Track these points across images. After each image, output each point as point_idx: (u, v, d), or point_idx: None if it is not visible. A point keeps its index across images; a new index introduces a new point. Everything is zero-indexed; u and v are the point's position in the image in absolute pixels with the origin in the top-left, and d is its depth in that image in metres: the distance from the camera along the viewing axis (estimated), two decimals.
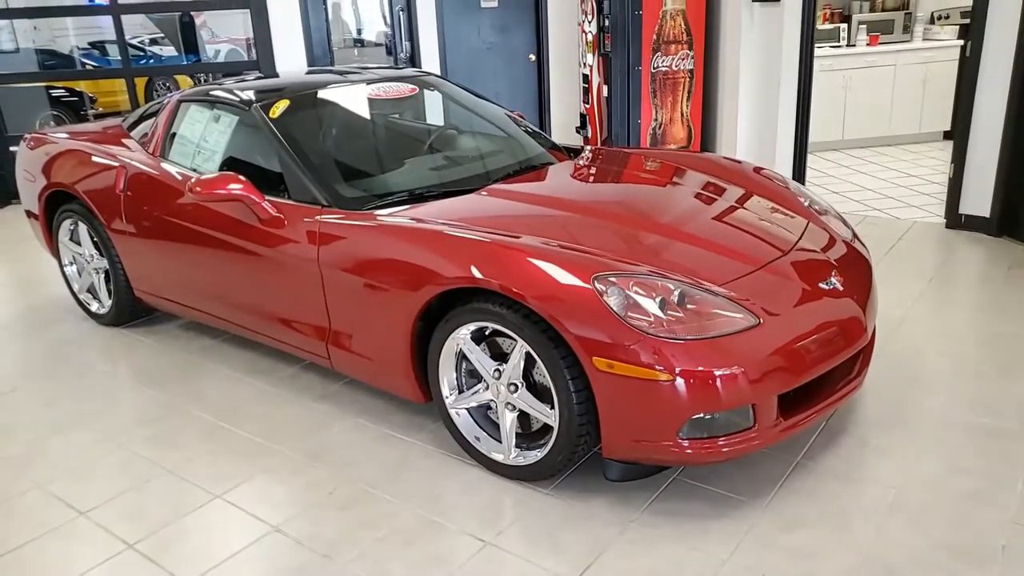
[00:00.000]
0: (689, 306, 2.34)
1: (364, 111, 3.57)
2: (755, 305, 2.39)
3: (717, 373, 2.23)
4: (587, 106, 6.64)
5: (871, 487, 2.48)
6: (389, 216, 2.82)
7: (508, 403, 2.53)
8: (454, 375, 2.68)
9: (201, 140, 3.48)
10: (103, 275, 3.95)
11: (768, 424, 2.34)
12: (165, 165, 3.55)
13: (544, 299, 2.31)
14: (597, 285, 2.30)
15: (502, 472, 2.61)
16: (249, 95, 3.34)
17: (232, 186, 2.99)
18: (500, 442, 2.60)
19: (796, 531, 2.31)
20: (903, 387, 3.07)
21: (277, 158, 3.12)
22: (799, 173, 5.72)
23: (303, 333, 3.07)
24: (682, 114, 6.35)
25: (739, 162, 3.54)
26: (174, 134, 3.62)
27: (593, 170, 3.46)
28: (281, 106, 3.25)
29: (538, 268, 2.38)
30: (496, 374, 2.53)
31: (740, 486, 2.51)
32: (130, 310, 3.93)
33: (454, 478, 2.63)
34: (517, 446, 2.58)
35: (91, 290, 4.07)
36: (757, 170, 3.44)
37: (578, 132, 6.83)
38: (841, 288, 2.62)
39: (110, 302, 3.95)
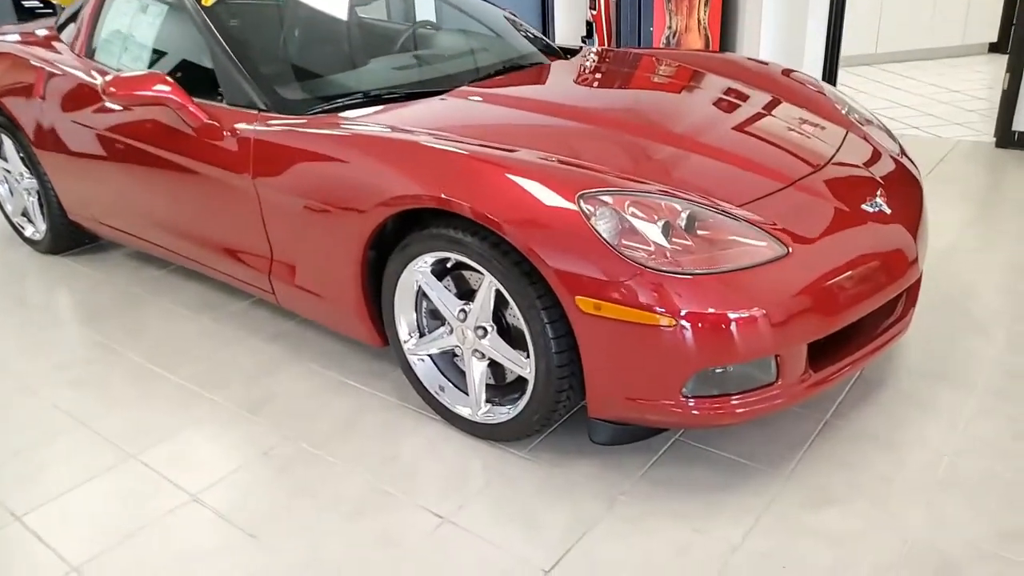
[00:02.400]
0: (700, 232, 1.85)
1: (323, 5, 3.01)
2: (783, 231, 1.90)
3: (733, 316, 1.75)
4: (594, 13, 5.99)
5: (917, 453, 2.03)
6: (330, 120, 2.32)
7: (476, 350, 2.08)
8: (414, 315, 2.22)
9: (128, 35, 2.95)
10: (36, 196, 3.48)
11: (794, 379, 1.88)
12: (84, 66, 3.04)
13: (515, 223, 1.83)
14: (584, 205, 1.81)
15: (470, 430, 2.18)
16: None
17: (157, 87, 2.49)
18: (467, 394, 2.17)
19: (825, 509, 1.87)
20: (953, 331, 2.59)
21: (210, 53, 2.60)
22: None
23: (245, 264, 2.61)
24: (699, 21, 5.70)
25: (766, 64, 2.99)
26: (100, 29, 3.09)
27: (594, 72, 2.92)
28: None
29: (508, 183, 1.89)
30: (462, 315, 2.07)
31: (756, 450, 2.07)
32: (68, 236, 3.48)
33: (414, 436, 2.21)
34: (489, 400, 2.14)
35: (25, 213, 3.61)
36: (786, 72, 2.89)
37: (584, 42, 6.19)
38: (888, 211, 2.11)
39: (44, 227, 3.50)
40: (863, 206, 2.09)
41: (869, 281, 1.96)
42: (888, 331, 2.14)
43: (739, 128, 2.39)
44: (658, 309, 1.73)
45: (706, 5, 5.67)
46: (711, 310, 1.74)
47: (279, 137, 2.33)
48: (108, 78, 2.49)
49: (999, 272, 2.95)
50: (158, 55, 2.86)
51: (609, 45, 5.84)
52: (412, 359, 2.24)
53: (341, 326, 2.42)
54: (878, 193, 2.16)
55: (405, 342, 2.23)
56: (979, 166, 4.11)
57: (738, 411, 1.86)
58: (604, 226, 1.79)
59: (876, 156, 2.39)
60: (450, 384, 2.23)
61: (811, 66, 5.09)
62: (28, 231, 3.62)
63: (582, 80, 2.78)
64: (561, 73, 2.83)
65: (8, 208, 3.68)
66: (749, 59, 3.04)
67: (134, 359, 2.69)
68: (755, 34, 5.28)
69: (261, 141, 2.36)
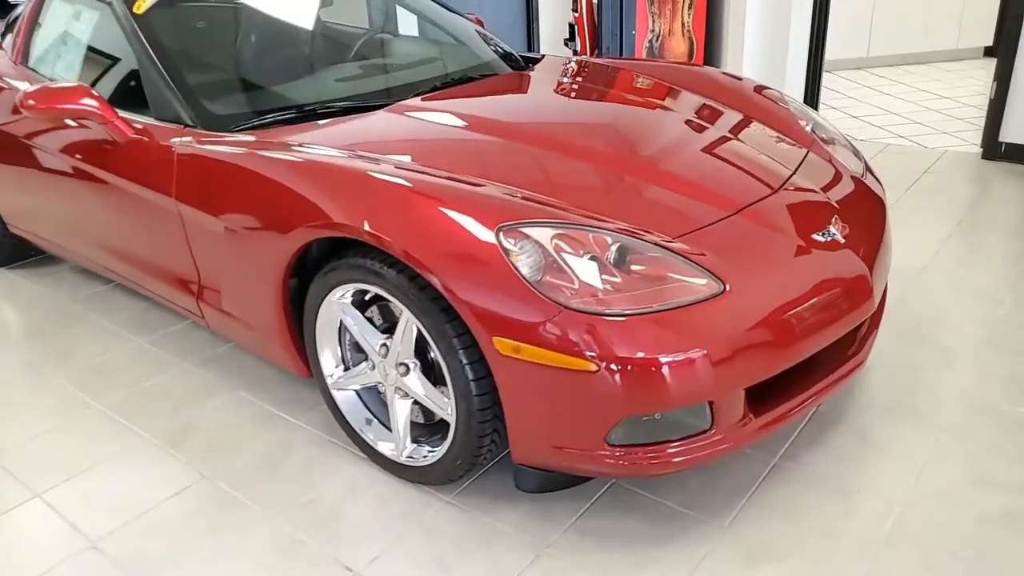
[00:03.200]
0: (633, 267, 1.72)
1: (268, 11, 2.87)
2: (722, 264, 1.77)
3: (662, 360, 1.62)
4: (576, 15, 5.84)
5: (868, 502, 1.90)
6: (255, 137, 2.19)
7: (399, 388, 1.95)
8: (338, 347, 2.09)
9: (62, 43, 2.82)
10: None
11: (732, 423, 1.75)
12: (19, 74, 2.91)
13: (428, 255, 1.69)
14: (504, 238, 1.67)
15: (394, 472, 2.05)
16: None
17: (82, 100, 2.35)
18: (391, 430, 2.03)
19: (762, 566, 1.74)
20: (920, 360, 2.45)
21: (138, 64, 2.47)
22: (812, 93, 4.96)
23: (174, 287, 2.48)
24: (683, 25, 5.55)
25: (739, 79, 2.84)
26: (36, 35, 2.96)
27: (550, 85, 2.78)
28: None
29: (423, 211, 1.76)
30: (383, 350, 1.94)
31: (696, 498, 1.94)
32: (10, 248, 3.35)
33: (336, 476, 2.08)
34: (415, 440, 2.01)
35: None
36: (758, 89, 2.74)
37: (567, 45, 6.05)
38: (842, 239, 1.98)
39: None
40: (814, 235, 1.95)
41: (817, 317, 1.82)
42: (844, 365, 2.01)
43: (690, 150, 2.25)
44: (579, 353, 1.60)
45: (690, 8, 5.52)
46: (638, 354, 1.61)
47: (200, 155, 2.20)
48: (29, 90, 2.37)
49: (973, 295, 2.81)
50: (91, 64, 2.73)
51: (590, 50, 5.69)
52: (335, 393, 2.11)
53: (266, 354, 2.29)
54: (832, 220, 2.02)
55: (329, 376, 2.10)
56: (963, 179, 3.97)
57: (676, 460, 1.73)
58: (524, 261, 1.65)
59: (836, 178, 2.25)
60: (376, 420, 2.10)
61: (795, 70, 4.94)
62: None
63: (534, 95, 2.65)
64: (513, 86, 2.69)
65: None
66: (724, 73, 2.89)
67: (59, 383, 2.57)
68: (739, 37, 5.13)
69: (183, 159, 2.23)
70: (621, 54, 5.55)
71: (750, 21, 5.01)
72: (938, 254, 3.15)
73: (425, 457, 1.95)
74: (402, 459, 2.00)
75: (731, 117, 2.47)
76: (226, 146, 2.17)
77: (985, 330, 2.59)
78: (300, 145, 2.11)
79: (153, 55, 2.42)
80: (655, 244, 1.76)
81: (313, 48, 2.84)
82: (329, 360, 2.10)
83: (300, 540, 1.87)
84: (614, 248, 1.72)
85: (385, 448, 2.04)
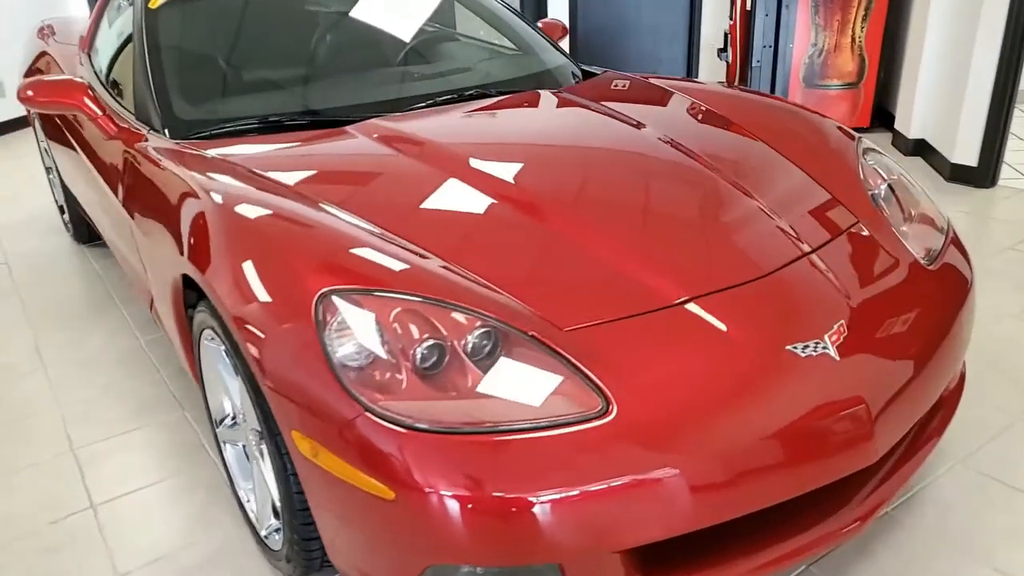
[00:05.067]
0: (499, 360, 1.32)
1: (291, 8, 2.69)
2: (618, 374, 1.31)
3: (497, 495, 1.21)
4: (731, 22, 5.21)
5: None
6: (189, 150, 2.00)
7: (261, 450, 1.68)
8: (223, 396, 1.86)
9: (108, 34, 2.84)
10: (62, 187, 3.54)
11: None
12: (79, 63, 2.98)
13: (241, 313, 1.41)
14: (323, 307, 1.34)
15: (263, 550, 1.78)
16: None
17: (73, 95, 2.29)
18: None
19: None
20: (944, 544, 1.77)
21: (133, 60, 2.38)
22: (994, 132, 3.90)
23: (141, 291, 2.39)
24: (854, 39, 4.74)
25: (815, 115, 2.22)
26: (100, 27, 3.02)
27: (568, 109, 2.34)
28: None
29: (256, 259, 1.46)
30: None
31: None
32: (86, 228, 3.49)
33: (215, 533, 1.85)
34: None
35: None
36: (846, 133, 2.13)
37: (719, 57, 5.42)
38: (836, 355, 1.42)
39: (67, 217, 3.56)
40: (790, 346, 1.41)
41: (761, 463, 1.31)
42: (826, 525, 1.45)
43: (681, 212, 1.75)
44: (376, 473, 1.23)
45: (864, 20, 4.70)
46: (461, 490, 1.20)
47: (139, 160, 2.06)
48: (26, 81, 2.36)
49: None
50: (120, 59, 2.70)
51: (740, 64, 5.02)
52: (222, 444, 1.88)
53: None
54: (835, 326, 1.47)
55: (219, 423, 1.88)
56: None
57: None
58: (341, 341, 1.31)
59: (881, 266, 1.67)
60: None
61: (974, 100, 3.95)
62: (65, 217, 3.71)
63: (526, 122, 2.22)
64: (521, 108, 2.29)
65: (56, 194, 3.80)
66: (798, 106, 2.29)
67: (38, 381, 2.56)
68: (915, 59, 4.26)
69: (129, 163, 2.11)
70: (774, 71, 4.85)
71: (929, 40, 4.13)
72: None
73: (278, 542, 1.67)
74: (262, 533, 1.73)
75: (767, 170, 1.93)
76: (158, 153, 2.01)
77: None
78: (220, 162, 1.89)
79: (146, 52, 2.32)
80: (533, 338, 1.34)
81: (325, 50, 2.60)
82: (225, 405, 1.87)
83: None
84: (473, 336, 1.33)
85: (252, 517, 1.79)
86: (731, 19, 5.18)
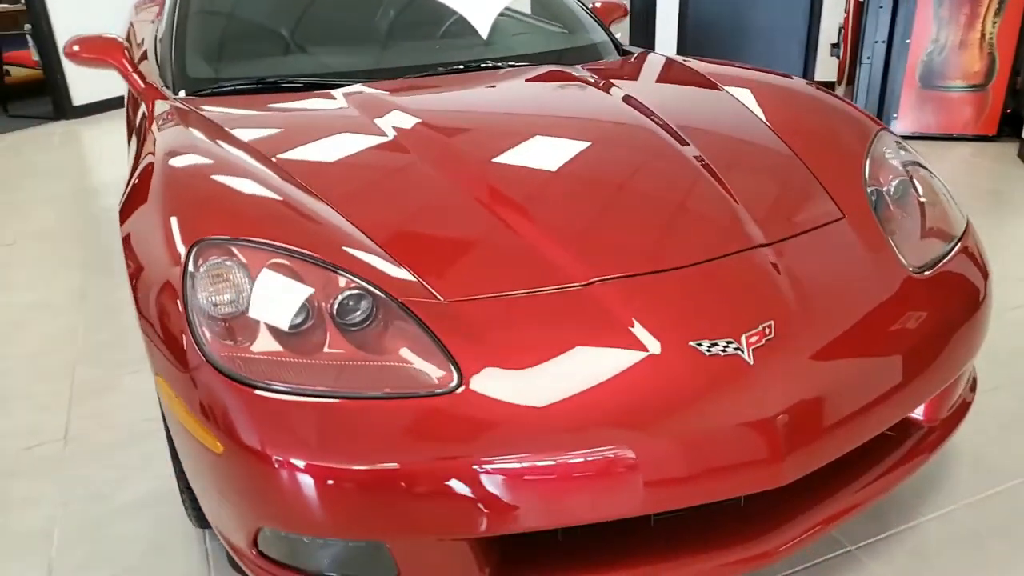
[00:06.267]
0: (365, 327, 1.24)
1: None
2: (482, 351, 1.20)
3: (318, 464, 1.14)
4: (845, 15, 4.79)
5: None
6: (181, 107, 2.03)
7: None
8: None
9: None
10: None
11: None
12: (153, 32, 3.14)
13: (132, 257, 1.42)
14: (196, 255, 1.30)
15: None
16: None
17: (111, 53, 2.44)
18: None
19: None
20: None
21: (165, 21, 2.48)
22: None
23: None
24: (983, 35, 4.23)
25: (831, 96, 1.98)
26: None
27: (571, 88, 2.19)
28: None
29: (163, 205, 1.46)
30: None
31: None
32: None
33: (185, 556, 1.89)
34: None
35: None
36: (877, 121, 1.88)
37: (832, 52, 5.00)
38: (751, 359, 1.24)
39: None
40: (694, 342, 1.24)
41: (628, 467, 1.16)
42: (736, 549, 1.28)
43: (638, 191, 1.59)
44: (209, 425, 1.19)
45: (997, 15, 4.19)
46: (268, 447, 1.14)
47: (148, 115, 2.13)
48: (72, 38, 2.51)
49: None
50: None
51: (850, 60, 4.61)
52: None
53: None
54: (761, 327, 1.28)
55: None
56: None
57: None
58: (203, 286, 1.27)
59: (851, 271, 1.45)
60: None
61: None
62: None
63: (511, 91, 2.10)
64: (508, 80, 2.16)
65: None
66: (829, 93, 2.04)
67: (69, 319, 2.73)
68: None
69: (139, 129, 2.19)
70: (887, 68, 4.41)
71: None
72: None
73: None
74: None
75: (752, 151, 1.73)
76: (148, 108, 2.07)
77: None
78: (200, 117, 1.91)
79: (176, 11, 2.41)
80: (402, 306, 1.25)
81: (342, 18, 2.57)
82: None
83: None
84: (339, 297, 1.26)
85: None
86: (846, 11, 4.77)
